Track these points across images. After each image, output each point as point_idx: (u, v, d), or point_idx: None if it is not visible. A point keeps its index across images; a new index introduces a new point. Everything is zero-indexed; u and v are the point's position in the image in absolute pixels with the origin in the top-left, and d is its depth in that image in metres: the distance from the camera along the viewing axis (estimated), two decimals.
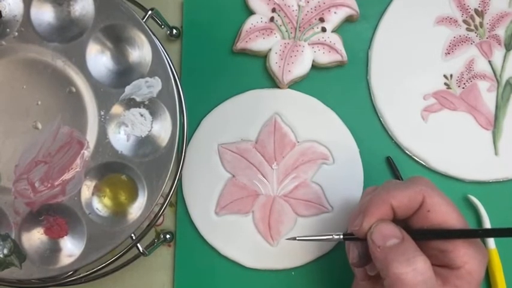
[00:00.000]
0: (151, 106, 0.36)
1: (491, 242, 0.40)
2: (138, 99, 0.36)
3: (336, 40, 0.42)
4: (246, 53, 0.43)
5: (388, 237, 0.30)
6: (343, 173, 0.42)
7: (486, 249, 0.40)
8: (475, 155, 0.42)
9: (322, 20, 0.42)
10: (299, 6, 0.43)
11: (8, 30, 0.36)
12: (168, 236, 0.42)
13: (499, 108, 0.42)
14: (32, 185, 0.36)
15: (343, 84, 0.43)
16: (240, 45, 0.43)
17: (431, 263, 0.29)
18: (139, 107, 0.36)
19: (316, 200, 0.41)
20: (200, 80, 0.44)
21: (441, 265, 0.31)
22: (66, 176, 0.36)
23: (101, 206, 0.36)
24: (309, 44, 0.42)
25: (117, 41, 0.37)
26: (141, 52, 0.36)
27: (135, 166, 0.35)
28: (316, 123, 0.42)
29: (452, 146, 0.42)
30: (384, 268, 0.29)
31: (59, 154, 0.36)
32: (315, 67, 0.43)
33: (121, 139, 0.36)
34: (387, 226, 0.31)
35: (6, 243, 0.35)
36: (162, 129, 0.36)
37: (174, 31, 0.44)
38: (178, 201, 0.43)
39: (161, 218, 0.43)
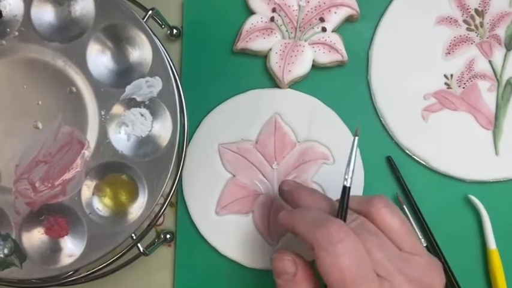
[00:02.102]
0: (152, 106, 0.36)
1: (491, 242, 0.40)
2: (138, 99, 0.36)
3: (336, 40, 0.42)
4: (246, 53, 0.43)
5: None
6: (344, 173, 0.42)
7: (487, 249, 0.40)
8: (475, 154, 0.42)
9: (322, 19, 0.42)
10: (299, 6, 0.43)
11: (8, 29, 0.36)
12: (168, 236, 0.42)
13: (500, 108, 0.42)
14: (32, 184, 0.36)
15: (344, 84, 0.43)
16: (240, 45, 0.43)
17: None
18: (140, 107, 0.36)
19: None
20: (200, 79, 0.44)
21: None
22: (67, 175, 0.36)
23: (101, 205, 0.36)
24: (309, 44, 0.42)
25: (118, 41, 0.37)
26: (141, 52, 0.36)
27: (136, 166, 0.35)
28: (316, 123, 0.42)
29: (453, 146, 0.42)
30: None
31: (59, 154, 0.36)
32: (315, 67, 0.43)
33: (121, 139, 0.36)
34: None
35: (6, 243, 0.35)
36: (163, 129, 0.36)
37: (175, 31, 0.44)
38: (178, 201, 0.43)
39: (161, 218, 0.43)
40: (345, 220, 0.31)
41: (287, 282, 0.31)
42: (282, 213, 0.33)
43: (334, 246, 0.28)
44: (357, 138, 0.33)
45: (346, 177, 0.32)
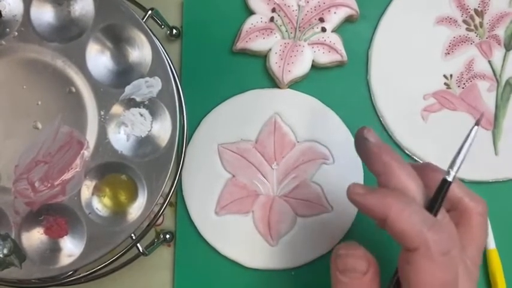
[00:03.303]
0: (151, 106, 0.36)
1: (491, 242, 0.40)
2: (138, 99, 0.36)
3: (335, 40, 0.42)
4: (246, 53, 0.43)
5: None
6: (343, 173, 0.42)
7: (486, 249, 0.40)
8: (475, 155, 0.41)
9: (322, 20, 0.42)
10: (299, 6, 0.43)
11: (7, 30, 0.36)
12: (168, 236, 0.42)
13: (499, 108, 0.42)
14: (32, 184, 0.36)
15: (343, 84, 0.43)
16: (240, 45, 0.43)
17: None
18: (139, 107, 0.36)
19: (316, 200, 0.41)
20: (200, 80, 0.44)
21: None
22: (66, 176, 0.36)
23: (100, 205, 0.36)
24: (308, 44, 0.42)
25: (117, 41, 0.37)
26: (141, 52, 0.36)
27: (135, 166, 0.35)
28: (316, 123, 0.42)
29: (452, 146, 0.42)
30: None
31: (59, 154, 0.36)
32: (315, 67, 0.43)
33: (121, 139, 0.36)
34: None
35: (6, 243, 0.35)
36: (162, 129, 0.36)
37: (174, 31, 0.44)
38: (178, 201, 0.43)
39: (161, 218, 0.43)
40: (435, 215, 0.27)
41: (354, 280, 0.27)
42: (370, 194, 0.28)
43: (442, 257, 0.25)
44: (476, 128, 0.28)
45: (451, 170, 0.28)
